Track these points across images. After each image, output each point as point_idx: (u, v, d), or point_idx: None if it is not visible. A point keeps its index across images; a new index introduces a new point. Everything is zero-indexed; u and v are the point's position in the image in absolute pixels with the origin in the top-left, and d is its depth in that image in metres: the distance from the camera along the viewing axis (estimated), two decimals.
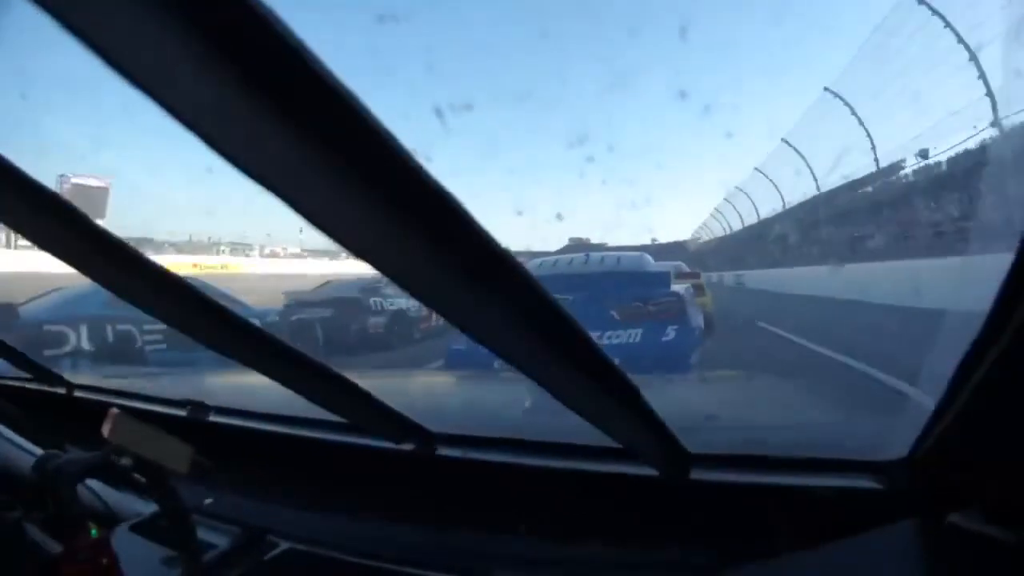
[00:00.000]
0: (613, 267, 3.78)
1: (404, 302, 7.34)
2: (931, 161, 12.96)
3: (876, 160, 14.43)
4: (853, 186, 15.96)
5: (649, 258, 4.09)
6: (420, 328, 7.54)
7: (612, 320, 3.14)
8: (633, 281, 3.45)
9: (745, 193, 23.06)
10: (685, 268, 7.27)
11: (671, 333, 3.07)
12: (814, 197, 17.66)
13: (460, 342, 3.11)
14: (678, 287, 3.54)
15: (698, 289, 5.67)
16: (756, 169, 20.73)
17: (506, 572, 0.58)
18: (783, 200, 20.19)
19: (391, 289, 7.20)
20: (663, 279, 3.50)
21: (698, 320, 3.53)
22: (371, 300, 7.17)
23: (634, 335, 3.09)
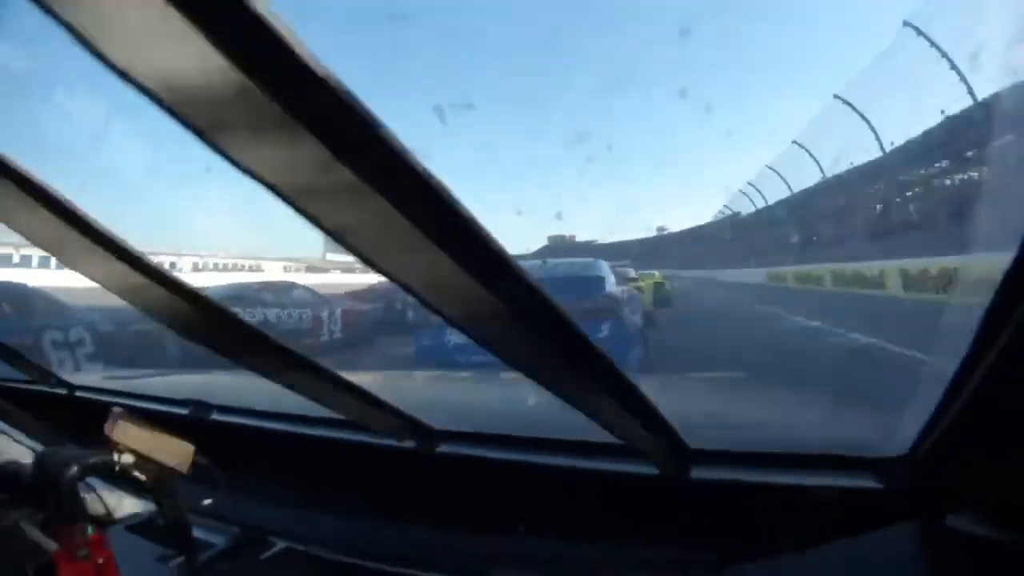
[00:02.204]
0: (565, 272, 4.25)
1: (274, 314, 6.18)
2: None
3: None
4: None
5: (601, 263, 4.44)
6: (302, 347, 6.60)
7: None
8: (572, 284, 3.91)
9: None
10: (632, 272, 7.90)
11: (605, 329, 3.47)
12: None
13: (426, 338, 3.58)
14: (614, 289, 3.98)
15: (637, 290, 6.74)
16: (749, 183, 21.54)
17: (505, 571, 0.58)
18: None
19: (269, 295, 6.37)
20: (599, 282, 3.96)
21: (634, 319, 3.93)
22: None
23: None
